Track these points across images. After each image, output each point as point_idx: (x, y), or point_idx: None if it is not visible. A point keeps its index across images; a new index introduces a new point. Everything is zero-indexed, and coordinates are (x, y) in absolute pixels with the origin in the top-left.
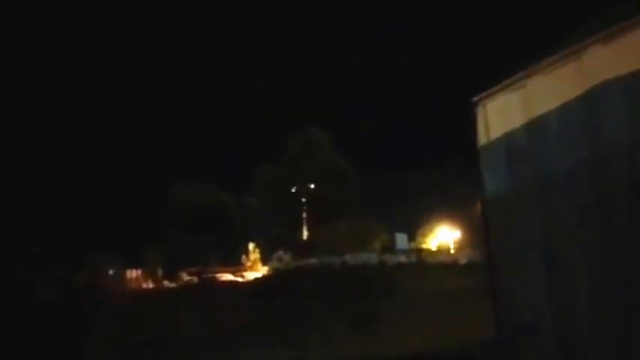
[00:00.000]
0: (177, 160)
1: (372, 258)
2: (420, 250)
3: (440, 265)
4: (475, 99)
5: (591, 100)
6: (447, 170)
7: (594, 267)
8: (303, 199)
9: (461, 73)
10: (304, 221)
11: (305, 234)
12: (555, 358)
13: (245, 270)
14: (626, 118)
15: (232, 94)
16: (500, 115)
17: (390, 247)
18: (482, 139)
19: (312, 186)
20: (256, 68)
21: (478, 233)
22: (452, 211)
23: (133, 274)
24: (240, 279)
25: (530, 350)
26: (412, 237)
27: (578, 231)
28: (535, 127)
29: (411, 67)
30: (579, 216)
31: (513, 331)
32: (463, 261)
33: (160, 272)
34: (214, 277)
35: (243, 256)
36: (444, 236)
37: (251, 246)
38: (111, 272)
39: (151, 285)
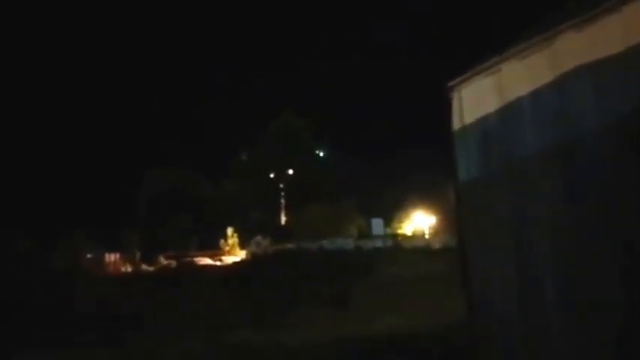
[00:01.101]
0: (157, 145)
1: (349, 243)
2: (396, 236)
3: (415, 250)
4: (450, 84)
5: (563, 86)
6: (422, 156)
7: (562, 254)
8: (281, 185)
9: (441, 60)
10: (282, 206)
11: (283, 219)
12: (523, 340)
13: (223, 254)
14: (597, 105)
15: (217, 84)
16: (474, 100)
17: (366, 233)
18: (456, 124)
19: (291, 172)
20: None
21: (453, 219)
22: (427, 196)
23: (111, 257)
24: (218, 263)
25: (500, 332)
26: (388, 222)
27: (547, 217)
28: (508, 112)
29: (389, 54)
30: (549, 202)
31: (484, 314)
32: (437, 246)
33: (138, 256)
34: (192, 262)
35: (222, 241)
36: (419, 222)
37: (229, 231)
38: (89, 256)
39: (129, 269)
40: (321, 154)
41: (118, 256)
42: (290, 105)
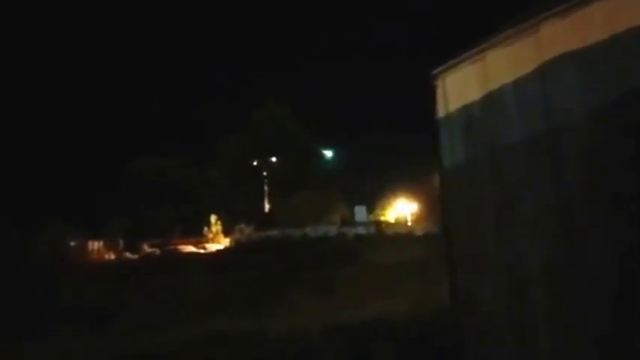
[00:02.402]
0: (141, 132)
1: (332, 230)
2: (379, 223)
3: (397, 237)
4: (435, 71)
5: (547, 73)
6: (406, 144)
7: (547, 242)
8: (265, 172)
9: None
10: (266, 194)
11: (266, 206)
12: (510, 328)
13: (207, 242)
14: (580, 93)
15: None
16: (458, 87)
17: (349, 220)
18: (440, 111)
19: (274, 159)
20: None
21: (435, 206)
22: (410, 184)
23: (94, 245)
24: (202, 251)
25: (485, 319)
26: (371, 209)
27: (532, 205)
28: (491, 100)
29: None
30: (533, 190)
31: (468, 301)
32: (419, 233)
33: (121, 244)
34: (176, 249)
35: (205, 228)
36: (402, 209)
37: (213, 218)
38: (73, 243)
39: (112, 256)
40: (330, 154)
41: (101, 243)
42: (286, 101)
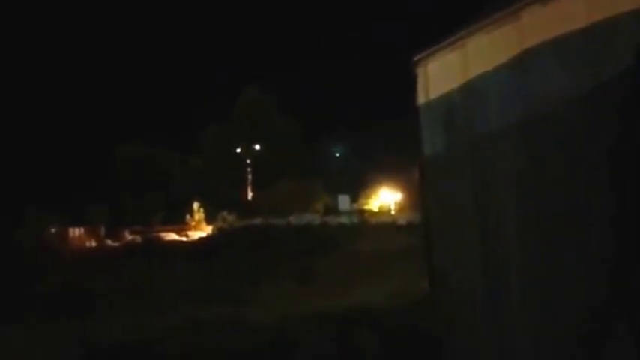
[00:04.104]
0: (124, 119)
1: (315, 219)
2: (362, 212)
3: (380, 226)
4: (416, 58)
5: (526, 61)
6: (388, 132)
7: (525, 230)
8: (248, 160)
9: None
10: (249, 182)
11: (250, 195)
12: (486, 315)
13: (189, 230)
14: (558, 81)
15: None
16: (439, 75)
17: (332, 209)
18: (421, 99)
19: (257, 147)
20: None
21: (417, 195)
22: (393, 173)
23: (75, 232)
24: (184, 238)
25: (463, 307)
26: (355, 198)
27: (510, 193)
28: (471, 87)
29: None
30: (511, 178)
31: (446, 290)
32: (402, 222)
33: (102, 231)
34: (158, 237)
35: (188, 216)
36: (385, 198)
37: (195, 206)
38: (53, 230)
39: (93, 244)
40: (337, 154)
41: (82, 231)
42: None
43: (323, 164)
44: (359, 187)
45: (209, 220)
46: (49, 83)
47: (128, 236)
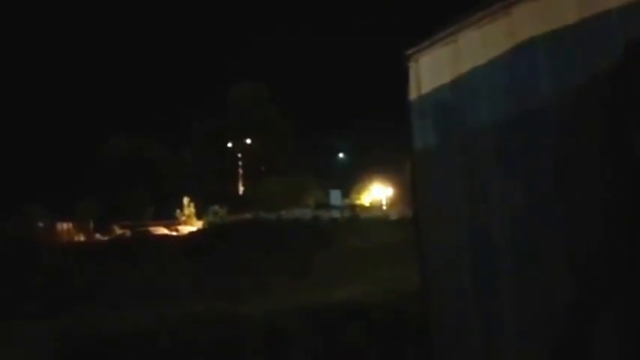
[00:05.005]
0: (114, 112)
1: (307, 214)
2: (354, 206)
3: (372, 221)
4: (408, 52)
5: (517, 56)
6: (380, 127)
7: (515, 227)
8: (239, 154)
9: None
10: (240, 176)
11: (241, 189)
12: (476, 309)
13: (179, 224)
14: (549, 77)
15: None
16: (431, 69)
17: (324, 203)
18: (412, 94)
19: (249, 141)
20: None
21: (409, 190)
22: (385, 168)
23: (63, 226)
24: (174, 233)
25: (452, 301)
26: (346, 193)
27: (497, 188)
28: (463, 83)
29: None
30: (501, 175)
31: (436, 284)
32: (394, 217)
33: (91, 225)
34: (147, 231)
35: (178, 211)
36: (377, 193)
37: (186, 200)
38: (41, 224)
39: (82, 238)
40: (341, 155)
41: (70, 225)
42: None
43: (315, 159)
44: (351, 182)
45: (200, 215)
46: (38, 76)
47: (117, 230)
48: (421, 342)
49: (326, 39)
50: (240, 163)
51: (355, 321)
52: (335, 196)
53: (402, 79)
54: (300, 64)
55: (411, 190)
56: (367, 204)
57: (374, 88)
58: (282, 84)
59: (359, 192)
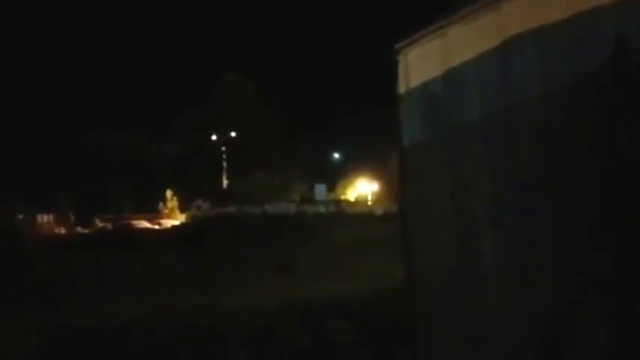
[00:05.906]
0: (96, 105)
1: (291, 208)
2: (339, 201)
3: (357, 216)
4: (397, 46)
5: (506, 51)
6: (366, 122)
7: (501, 223)
8: (224, 148)
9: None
10: (224, 170)
11: (225, 183)
12: (462, 305)
13: (162, 218)
14: (539, 72)
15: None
16: (420, 63)
17: (309, 198)
18: (401, 88)
19: (233, 134)
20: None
21: (394, 185)
22: (370, 163)
23: (44, 218)
24: (156, 227)
25: (439, 297)
26: (332, 188)
27: (484, 185)
28: (452, 77)
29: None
30: (489, 170)
31: (423, 280)
32: (379, 212)
33: (72, 218)
34: (129, 224)
35: (161, 204)
36: (362, 188)
37: (169, 194)
38: (21, 216)
39: (63, 231)
40: (336, 155)
41: (51, 217)
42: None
43: (300, 153)
44: (336, 177)
45: (183, 209)
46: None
47: (99, 223)
48: (407, 338)
49: (317, 38)
50: (224, 156)
51: (340, 315)
52: (320, 191)
53: (391, 72)
54: (287, 58)
55: (398, 185)
56: (352, 199)
57: (363, 83)
58: (268, 78)
59: (345, 187)
